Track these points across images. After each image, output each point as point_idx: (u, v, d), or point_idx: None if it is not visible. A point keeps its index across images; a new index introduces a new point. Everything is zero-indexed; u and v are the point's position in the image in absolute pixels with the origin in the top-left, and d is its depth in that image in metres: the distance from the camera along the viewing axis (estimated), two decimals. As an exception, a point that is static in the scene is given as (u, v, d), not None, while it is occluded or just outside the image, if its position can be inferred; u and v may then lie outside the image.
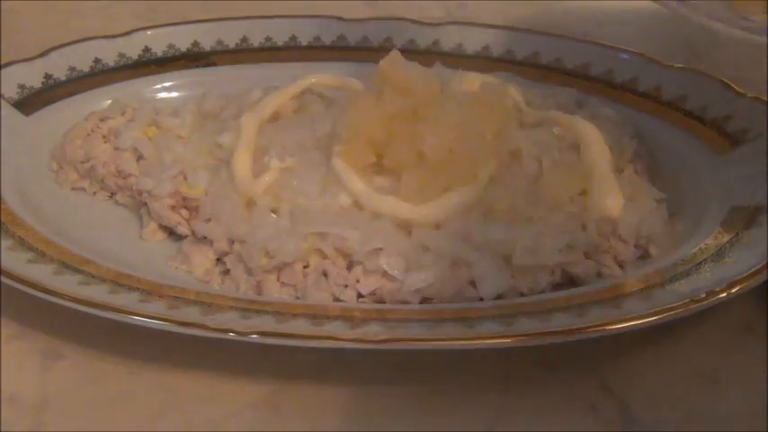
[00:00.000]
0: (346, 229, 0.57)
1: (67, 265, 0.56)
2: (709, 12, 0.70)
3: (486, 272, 0.56)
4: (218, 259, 0.61)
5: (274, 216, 0.59)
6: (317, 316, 0.52)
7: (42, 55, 0.75)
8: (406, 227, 0.58)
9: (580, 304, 0.53)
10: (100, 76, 0.76)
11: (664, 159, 0.68)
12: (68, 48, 0.76)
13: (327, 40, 0.81)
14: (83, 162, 0.67)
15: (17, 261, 0.55)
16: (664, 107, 0.72)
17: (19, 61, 0.73)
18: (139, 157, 0.67)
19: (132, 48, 0.78)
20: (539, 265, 0.56)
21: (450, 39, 0.80)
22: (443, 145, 0.58)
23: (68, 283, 0.53)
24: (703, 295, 0.51)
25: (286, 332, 0.50)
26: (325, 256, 0.57)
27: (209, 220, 0.61)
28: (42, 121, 0.71)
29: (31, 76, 0.73)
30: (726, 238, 0.58)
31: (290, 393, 0.51)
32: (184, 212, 0.63)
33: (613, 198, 0.60)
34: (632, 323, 0.50)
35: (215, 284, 0.59)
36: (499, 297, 0.56)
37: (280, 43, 0.81)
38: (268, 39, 0.81)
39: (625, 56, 0.77)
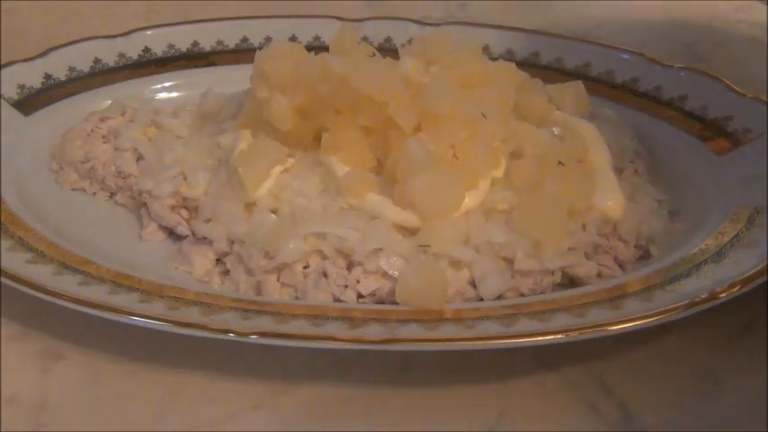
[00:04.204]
0: (346, 230, 0.57)
1: (67, 265, 0.56)
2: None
3: (487, 272, 0.56)
4: (218, 260, 0.61)
5: (274, 217, 0.59)
6: (317, 316, 0.52)
7: (42, 55, 0.75)
8: (405, 228, 0.58)
9: (580, 305, 0.53)
10: (100, 76, 0.76)
11: (664, 159, 0.68)
12: (68, 48, 0.76)
13: (327, 40, 0.81)
14: (83, 162, 0.67)
15: (17, 261, 0.55)
16: (664, 107, 0.72)
17: (19, 61, 0.73)
18: (139, 158, 0.67)
19: (132, 48, 0.78)
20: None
21: (450, 39, 0.80)
22: (448, 152, 0.58)
23: (68, 284, 0.53)
24: (704, 296, 0.51)
25: (286, 333, 0.50)
26: (324, 257, 0.57)
27: (209, 220, 0.61)
28: (42, 122, 0.71)
29: (31, 76, 0.73)
30: (726, 238, 0.58)
31: (290, 393, 0.51)
32: (184, 213, 0.63)
33: (613, 198, 0.60)
34: (633, 324, 0.50)
35: (215, 285, 0.59)
36: (499, 297, 0.56)
37: (280, 43, 0.81)
38: (268, 39, 0.81)
39: (625, 56, 0.77)
